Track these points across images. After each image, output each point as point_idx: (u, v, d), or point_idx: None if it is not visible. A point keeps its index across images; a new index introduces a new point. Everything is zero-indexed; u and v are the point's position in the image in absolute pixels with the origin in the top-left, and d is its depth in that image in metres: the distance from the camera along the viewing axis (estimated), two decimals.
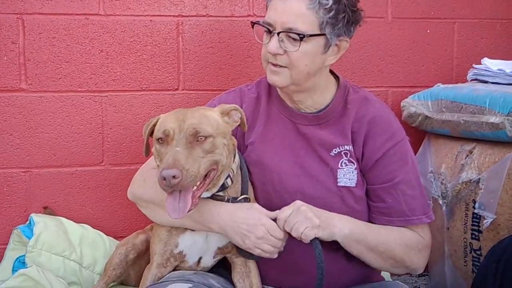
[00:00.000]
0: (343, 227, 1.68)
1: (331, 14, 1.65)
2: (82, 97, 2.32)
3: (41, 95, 2.28)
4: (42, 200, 2.31)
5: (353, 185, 1.75)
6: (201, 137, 1.54)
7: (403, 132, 1.81)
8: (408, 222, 1.76)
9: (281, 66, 1.70)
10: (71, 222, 2.24)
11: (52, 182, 2.32)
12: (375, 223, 1.79)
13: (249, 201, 1.72)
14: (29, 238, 2.06)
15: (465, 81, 2.57)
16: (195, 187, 1.54)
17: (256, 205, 1.69)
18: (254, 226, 1.62)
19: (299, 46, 1.65)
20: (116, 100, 2.36)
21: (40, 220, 2.12)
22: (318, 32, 1.66)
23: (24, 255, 2.04)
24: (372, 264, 1.76)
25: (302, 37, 1.64)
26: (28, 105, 2.27)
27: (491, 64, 2.40)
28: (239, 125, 1.73)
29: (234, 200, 1.69)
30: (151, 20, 2.36)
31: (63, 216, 2.27)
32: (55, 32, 2.27)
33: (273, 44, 1.67)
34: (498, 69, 2.34)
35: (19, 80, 2.26)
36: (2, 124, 2.26)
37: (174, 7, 2.37)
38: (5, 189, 2.28)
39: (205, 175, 1.57)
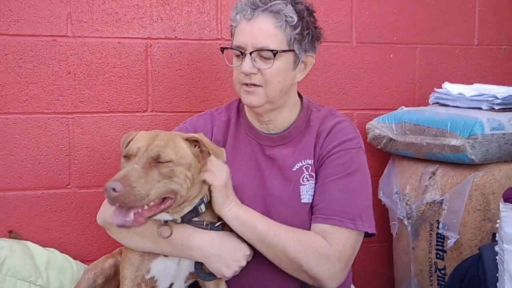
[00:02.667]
0: (235, 207, 1.69)
1: (297, 31, 1.73)
2: (48, 119, 2.30)
3: (7, 117, 2.25)
4: (7, 224, 2.26)
5: None
6: (162, 161, 1.53)
7: (357, 143, 1.80)
8: (329, 220, 1.69)
9: (255, 86, 1.74)
10: (37, 246, 2.19)
11: (17, 205, 2.27)
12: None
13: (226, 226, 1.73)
14: None
15: (427, 104, 2.65)
16: (146, 207, 1.51)
17: (234, 233, 1.71)
18: (240, 257, 1.68)
19: (273, 63, 1.71)
20: (84, 122, 2.34)
21: (5, 245, 2.07)
22: (288, 49, 1.73)
23: None
24: (271, 259, 1.71)
25: (275, 53, 1.69)
26: None
27: (451, 88, 2.48)
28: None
29: (212, 225, 1.69)
30: (119, 42, 2.36)
31: (29, 240, 2.22)
32: (22, 53, 2.25)
33: (247, 64, 1.72)
34: (458, 93, 2.42)
35: None
36: None
37: (143, 29, 2.38)
38: None
39: (163, 200, 1.55)
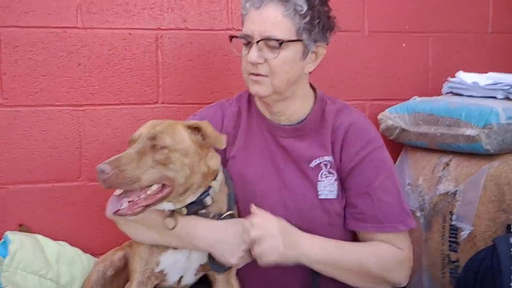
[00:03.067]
0: (310, 252, 1.66)
1: (306, 19, 1.69)
2: (59, 111, 2.28)
3: (17, 110, 2.24)
4: (17, 217, 2.25)
5: (334, 197, 1.76)
6: (157, 146, 1.53)
7: (380, 140, 1.81)
8: (382, 228, 1.73)
9: (262, 76, 1.71)
10: (48, 239, 2.19)
11: (28, 198, 2.27)
12: (349, 228, 1.80)
13: (234, 217, 1.71)
14: (4, 257, 2.00)
15: (440, 94, 2.61)
16: (143, 195, 1.52)
17: (242, 219, 1.68)
18: (241, 240, 1.62)
19: (279, 53, 1.68)
20: (94, 114, 2.32)
21: (15, 238, 2.06)
22: (296, 38, 1.69)
23: None
24: (351, 284, 1.74)
25: (280, 43, 1.66)
26: (3, 120, 2.22)
27: (465, 77, 2.44)
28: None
29: (219, 217, 1.68)
30: (130, 33, 2.34)
31: (40, 233, 2.22)
32: (32, 45, 2.24)
33: (253, 53, 1.69)
34: (473, 82, 2.38)
35: None
36: None
37: (153, 20, 2.36)
38: None
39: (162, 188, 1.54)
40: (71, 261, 2.15)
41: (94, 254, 2.28)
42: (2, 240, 2.10)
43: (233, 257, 1.65)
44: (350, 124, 1.78)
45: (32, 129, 2.26)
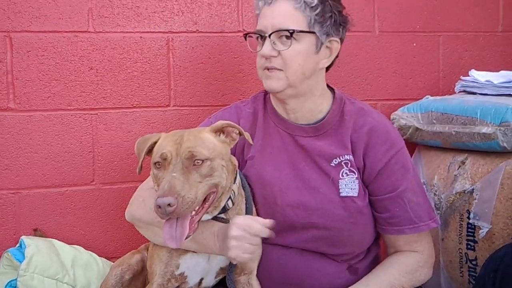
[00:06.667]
0: None
1: (317, 11, 1.71)
2: (71, 116, 2.28)
3: (30, 114, 2.23)
4: (32, 222, 2.25)
5: (355, 194, 1.75)
6: (198, 161, 1.50)
7: (401, 140, 1.83)
8: (417, 229, 1.77)
9: (276, 69, 1.72)
10: (63, 243, 2.18)
11: (42, 203, 2.26)
12: (384, 234, 1.81)
13: None
14: (20, 261, 1.99)
15: (452, 93, 2.60)
16: (193, 212, 1.50)
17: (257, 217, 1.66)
18: (248, 233, 1.55)
19: (290, 44, 1.69)
20: (107, 117, 2.32)
21: (31, 243, 2.05)
22: (307, 30, 1.71)
23: (15, 279, 1.98)
24: None
25: (291, 32, 1.67)
26: (16, 125, 2.22)
27: (478, 75, 2.43)
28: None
29: None
30: (141, 37, 2.34)
31: (54, 238, 2.21)
32: (44, 50, 2.23)
33: (266, 47, 1.71)
34: (486, 81, 2.37)
35: (7, 99, 2.20)
36: None
37: (164, 23, 2.36)
38: None
39: (204, 199, 1.53)
40: (86, 265, 2.14)
41: (108, 258, 2.27)
42: (18, 244, 2.09)
43: (231, 251, 1.56)
44: (373, 127, 1.78)
45: (45, 134, 2.25)
